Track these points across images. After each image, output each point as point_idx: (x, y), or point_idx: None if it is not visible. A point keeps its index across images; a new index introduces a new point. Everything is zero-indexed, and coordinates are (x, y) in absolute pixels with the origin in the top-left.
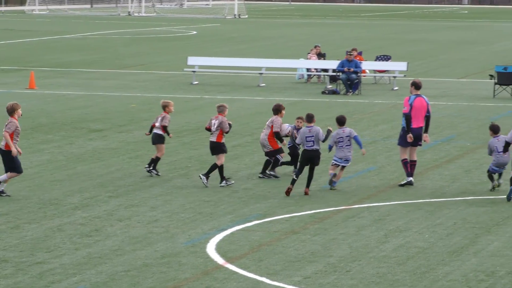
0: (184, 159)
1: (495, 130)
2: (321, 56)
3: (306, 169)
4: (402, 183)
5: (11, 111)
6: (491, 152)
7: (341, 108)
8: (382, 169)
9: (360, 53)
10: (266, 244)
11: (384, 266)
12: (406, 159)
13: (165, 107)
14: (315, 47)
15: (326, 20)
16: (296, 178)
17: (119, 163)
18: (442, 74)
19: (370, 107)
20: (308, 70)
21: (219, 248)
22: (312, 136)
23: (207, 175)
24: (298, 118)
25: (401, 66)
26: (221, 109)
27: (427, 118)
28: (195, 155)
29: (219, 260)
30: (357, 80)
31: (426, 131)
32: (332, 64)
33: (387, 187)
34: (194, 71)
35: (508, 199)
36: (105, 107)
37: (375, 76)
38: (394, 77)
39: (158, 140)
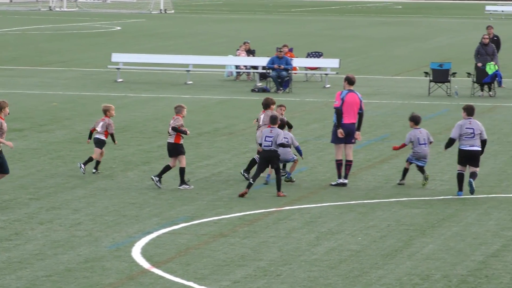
0: (108, 160)
1: (416, 121)
2: (250, 53)
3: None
4: (333, 183)
5: None
6: (409, 142)
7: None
8: (313, 169)
9: (291, 50)
10: (194, 248)
11: (316, 269)
12: (340, 160)
13: (106, 111)
14: (244, 43)
15: (255, 16)
16: (252, 182)
17: (40, 164)
18: (375, 71)
19: (301, 105)
20: (237, 67)
21: (144, 252)
22: (272, 137)
23: (159, 176)
24: (280, 105)
25: (333, 63)
26: (178, 110)
27: (360, 115)
28: (119, 156)
29: (145, 264)
30: (288, 78)
31: (358, 128)
32: (262, 61)
33: (319, 188)
34: (118, 68)
35: (471, 192)
36: (25, 105)
37: (306, 74)
38: (326, 74)
39: (99, 144)
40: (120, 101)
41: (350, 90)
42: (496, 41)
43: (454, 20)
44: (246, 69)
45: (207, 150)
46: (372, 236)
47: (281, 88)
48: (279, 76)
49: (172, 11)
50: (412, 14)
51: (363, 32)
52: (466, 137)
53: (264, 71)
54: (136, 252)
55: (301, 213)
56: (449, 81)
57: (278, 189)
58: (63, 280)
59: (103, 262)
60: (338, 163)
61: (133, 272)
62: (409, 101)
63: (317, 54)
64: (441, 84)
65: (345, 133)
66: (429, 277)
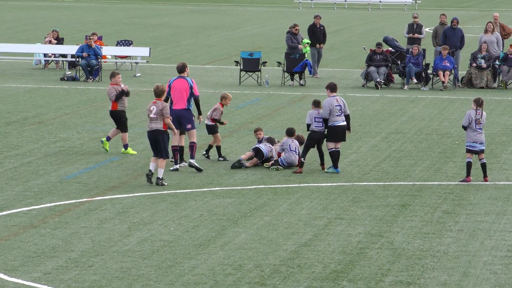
0: None
1: (291, 133)
2: (59, 40)
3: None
4: (172, 169)
5: None
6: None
7: (81, 95)
8: (124, 159)
9: (100, 38)
10: (4, 239)
11: (128, 260)
12: (176, 145)
13: (223, 98)
14: (53, 31)
15: (63, 3)
16: (304, 161)
17: None
18: (186, 60)
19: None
20: (45, 55)
21: None
22: (320, 118)
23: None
24: (258, 130)
25: (144, 51)
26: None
27: (196, 100)
28: None
29: None
30: (98, 66)
31: (200, 112)
32: (71, 49)
33: (130, 178)
34: None
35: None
36: None
37: (116, 62)
38: (136, 63)
39: (211, 130)
40: None
41: (179, 76)
42: (322, 30)
43: (264, 9)
44: (55, 57)
45: (15, 139)
46: (184, 226)
47: (90, 77)
48: (88, 64)
49: None
50: (221, 2)
51: (173, 20)
52: None
53: (73, 59)
54: None
55: (112, 203)
56: (259, 70)
57: (322, 163)
58: None
59: None
60: (174, 149)
61: None
62: (220, 90)
63: (127, 43)
64: (251, 73)
65: (175, 119)
66: (242, 267)
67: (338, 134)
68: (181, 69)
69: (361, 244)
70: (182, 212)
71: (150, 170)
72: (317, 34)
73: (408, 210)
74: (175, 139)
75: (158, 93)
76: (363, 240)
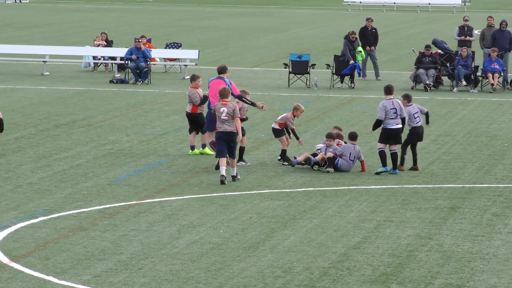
0: None
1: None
2: (108, 43)
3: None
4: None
5: None
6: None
7: (130, 97)
8: (174, 161)
9: (149, 41)
10: (53, 242)
11: (177, 263)
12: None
13: (294, 109)
14: (102, 33)
15: (112, 5)
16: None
17: None
18: (234, 62)
19: (160, 96)
20: (94, 58)
21: (2, 246)
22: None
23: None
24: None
25: (192, 54)
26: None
27: (238, 97)
28: None
29: (3, 259)
30: (147, 69)
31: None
32: (120, 51)
33: (180, 181)
34: None
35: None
36: None
37: (165, 65)
38: (185, 65)
39: (277, 134)
40: None
41: (218, 77)
42: (374, 33)
43: (312, 11)
44: (104, 60)
45: (65, 142)
46: (233, 229)
47: (140, 79)
48: (137, 67)
49: (27, 1)
50: (270, 4)
51: (221, 23)
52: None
53: (122, 62)
54: None
55: (162, 205)
56: (308, 73)
57: (402, 163)
58: None
59: None
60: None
61: None
62: (269, 93)
63: (176, 45)
64: (300, 75)
65: (212, 118)
66: (291, 270)
67: (390, 137)
68: (221, 70)
69: (410, 247)
70: (231, 214)
71: (224, 176)
72: (368, 37)
73: (457, 213)
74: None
75: (224, 94)
76: (412, 243)
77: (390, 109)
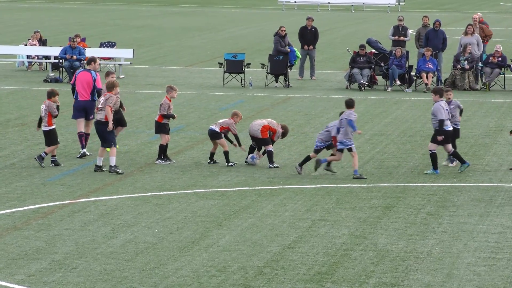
0: None
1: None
2: (42, 42)
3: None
4: (78, 156)
5: None
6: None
7: (65, 97)
8: (108, 161)
9: (83, 40)
10: None
11: (112, 262)
12: (82, 132)
13: (234, 115)
14: (35, 32)
15: (46, 4)
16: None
17: None
18: (169, 62)
19: None
20: (28, 57)
21: None
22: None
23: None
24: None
25: (127, 53)
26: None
27: (98, 92)
28: None
29: None
30: (81, 68)
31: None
32: (54, 50)
33: (114, 180)
34: None
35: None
36: None
37: (100, 64)
38: (120, 64)
39: (215, 137)
40: None
41: (84, 69)
42: (314, 32)
43: (247, 11)
44: (38, 59)
45: None
46: (168, 228)
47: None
48: (72, 66)
49: None
50: (204, 4)
51: (156, 22)
52: None
53: (56, 61)
54: None
55: (96, 205)
56: (243, 72)
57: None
58: None
59: None
60: (80, 135)
61: None
62: (204, 92)
63: (111, 44)
64: (235, 75)
65: (80, 109)
66: (226, 269)
67: (447, 138)
68: (88, 61)
69: (345, 246)
70: (166, 214)
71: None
72: (306, 36)
73: (391, 212)
74: (81, 126)
75: (108, 86)
76: (347, 242)
77: (446, 110)
